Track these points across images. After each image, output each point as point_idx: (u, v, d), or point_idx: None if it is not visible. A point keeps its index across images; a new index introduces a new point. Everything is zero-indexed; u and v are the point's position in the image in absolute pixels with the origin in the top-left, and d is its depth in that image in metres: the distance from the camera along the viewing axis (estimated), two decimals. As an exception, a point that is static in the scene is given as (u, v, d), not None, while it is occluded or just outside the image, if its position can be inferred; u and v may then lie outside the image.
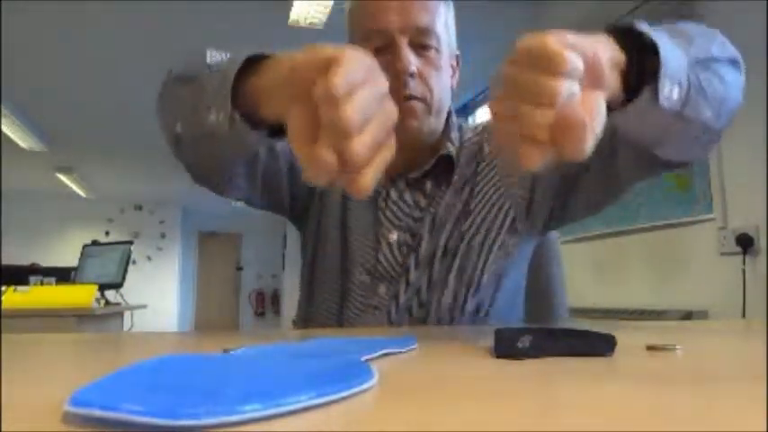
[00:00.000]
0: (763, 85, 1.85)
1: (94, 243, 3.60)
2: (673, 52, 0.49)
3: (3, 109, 4.29)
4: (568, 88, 0.38)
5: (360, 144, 0.38)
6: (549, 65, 0.38)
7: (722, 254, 2.03)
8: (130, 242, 3.36)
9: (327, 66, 0.39)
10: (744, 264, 1.92)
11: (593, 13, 2.54)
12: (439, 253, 0.79)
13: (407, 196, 0.82)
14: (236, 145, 0.59)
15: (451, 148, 0.82)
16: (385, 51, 0.73)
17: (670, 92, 0.49)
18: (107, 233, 8.47)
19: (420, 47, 0.75)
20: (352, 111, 0.37)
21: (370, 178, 0.40)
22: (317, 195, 0.86)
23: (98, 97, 4.42)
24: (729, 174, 2.03)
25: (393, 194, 0.82)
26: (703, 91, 0.52)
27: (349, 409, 0.24)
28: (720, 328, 0.79)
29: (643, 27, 0.49)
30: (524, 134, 0.40)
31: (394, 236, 0.80)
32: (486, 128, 0.88)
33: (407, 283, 0.79)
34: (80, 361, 0.47)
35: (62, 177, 6.87)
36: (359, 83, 0.39)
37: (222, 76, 0.54)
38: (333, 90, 0.37)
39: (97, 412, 0.19)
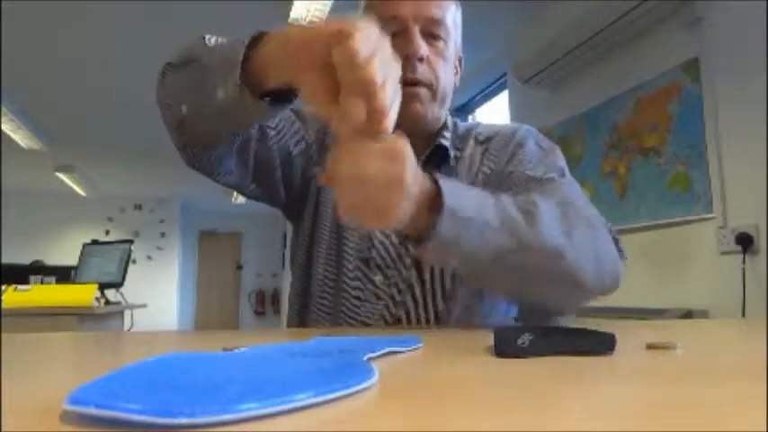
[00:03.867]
0: (763, 85, 1.85)
1: (94, 242, 3.59)
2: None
3: (3, 109, 4.29)
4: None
5: (384, 96, 0.46)
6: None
7: (722, 253, 2.03)
8: (131, 241, 3.35)
9: (338, 36, 0.45)
10: (743, 263, 1.92)
11: (594, 12, 2.54)
12: None
13: None
14: (242, 117, 0.63)
15: (446, 142, 0.84)
16: (396, 37, 0.75)
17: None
18: (107, 232, 8.47)
19: (430, 36, 0.79)
20: (375, 71, 0.44)
21: (392, 120, 0.48)
22: (313, 190, 0.86)
23: (98, 97, 4.41)
24: (729, 173, 2.03)
25: None
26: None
27: (348, 408, 0.24)
28: (720, 327, 0.79)
29: (448, 200, 0.56)
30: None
31: None
32: (474, 132, 0.89)
33: (403, 274, 0.79)
34: (80, 360, 0.47)
35: (62, 177, 6.86)
36: (374, 47, 0.45)
37: (227, 53, 0.58)
38: (356, 55, 0.44)
39: (94, 411, 0.19)
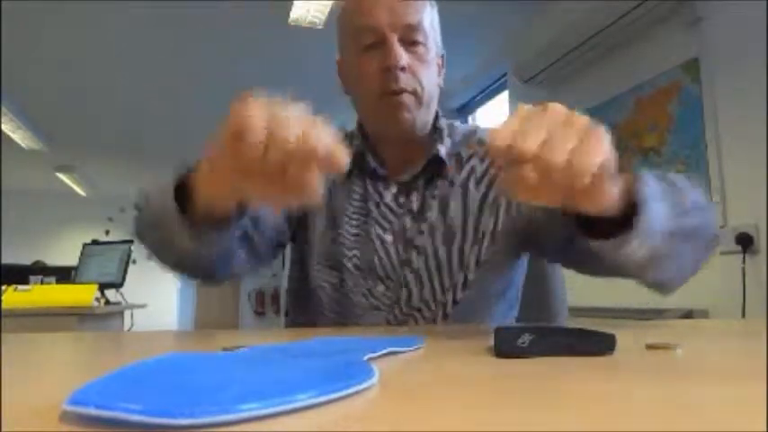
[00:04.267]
0: (763, 85, 1.85)
1: (95, 242, 3.59)
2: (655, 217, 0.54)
3: (3, 109, 4.29)
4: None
5: (307, 150, 0.42)
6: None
7: (722, 253, 2.03)
8: (131, 241, 3.34)
9: (235, 136, 0.43)
10: (743, 263, 1.92)
11: (594, 12, 2.54)
12: (431, 254, 0.79)
13: (400, 199, 0.82)
14: (212, 248, 0.65)
15: (442, 150, 0.82)
16: (375, 48, 0.76)
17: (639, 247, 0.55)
18: (107, 232, 8.45)
19: (409, 43, 0.78)
20: (286, 136, 0.42)
21: (334, 152, 0.43)
22: (300, 213, 0.86)
23: (98, 97, 4.41)
24: (729, 173, 2.03)
25: (386, 197, 0.82)
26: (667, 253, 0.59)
27: (348, 408, 0.24)
28: (720, 327, 0.79)
29: (644, 189, 0.54)
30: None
31: (389, 237, 0.80)
32: (477, 137, 0.87)
33: (405, 283, 0.79)
34: (80, 360, 0.47)
35: (62, 177, 6.86)
36: (264, 117, 0.43)
37: (170, 210, 0.60)
38: (256, 138, 0.42)
39: (94, 411, 0.19)
